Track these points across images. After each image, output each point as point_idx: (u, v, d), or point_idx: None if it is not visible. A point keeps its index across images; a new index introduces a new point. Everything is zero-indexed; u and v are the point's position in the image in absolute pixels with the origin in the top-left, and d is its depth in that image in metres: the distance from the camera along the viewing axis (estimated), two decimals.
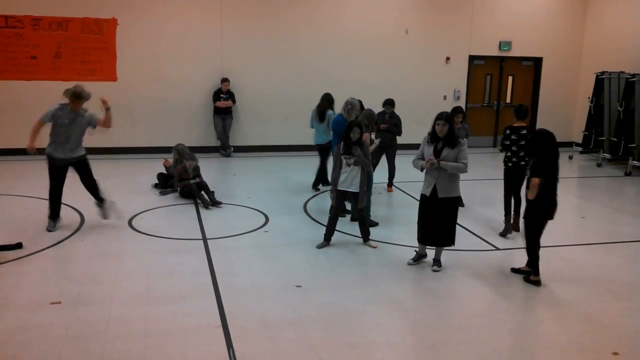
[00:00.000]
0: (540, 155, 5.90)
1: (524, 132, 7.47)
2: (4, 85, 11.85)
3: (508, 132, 7.54)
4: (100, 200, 7.62)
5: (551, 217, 6.03)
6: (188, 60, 12.68)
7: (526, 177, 6.20)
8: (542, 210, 5.97)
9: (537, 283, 6.05)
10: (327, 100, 9.70)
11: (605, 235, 7.90)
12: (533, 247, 6.09)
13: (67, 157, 7.32)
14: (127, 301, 5.35)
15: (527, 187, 6.00)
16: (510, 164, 7.56)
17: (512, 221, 7.73)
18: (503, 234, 7.69)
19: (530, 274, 6.15)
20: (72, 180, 9.98)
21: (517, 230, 7.58)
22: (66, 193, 8.91)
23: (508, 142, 7.52)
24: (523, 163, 7.43)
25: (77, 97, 7.22)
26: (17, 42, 11.75)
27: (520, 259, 6.84)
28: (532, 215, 6.03)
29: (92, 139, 12.14)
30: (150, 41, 12.41)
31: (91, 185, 7.60)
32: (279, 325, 4.97)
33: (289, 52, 13.23)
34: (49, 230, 7.26)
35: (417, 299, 5.76)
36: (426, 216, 6.31)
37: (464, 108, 13.01)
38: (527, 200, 6.03)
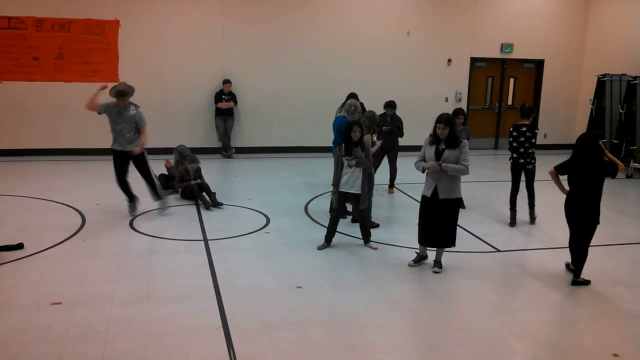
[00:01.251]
0: (573, 157, 6.13)
1: (524, 129, 7.97)
2: (6, 86, 11.88)
3: (511, 129, 8.11)
4: (155, 196, 8.29)
5: (597, 222, 6.18)
6: (190, 61, 12.70)
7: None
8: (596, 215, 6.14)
9: (587, 282, 6.18)
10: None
11: (607, 238, 7.88)
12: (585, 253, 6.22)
13: (125, 149, 7.93)
14: (127, 302, 5.35)
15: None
16: (511, 160, 8.20)
17: (518, 214, 8.33)
18: (510, 225, 8.26)
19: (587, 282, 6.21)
20: (71, 181, 10.02)
21: (532, 222, 8.34)
22: (66, 194, 8.98)
23: (511, 139, 8.09)
24: (522, 161, 8.05)
25: (121, 94, 7.72)
26: (20, 43, 11.77)
27: (520, 261, 6.85)
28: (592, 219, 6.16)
29: (92, 140, 12.25)
30: (153, 42, 12.43)
31: (148, 180, 8.24)
32: (279, 326, 4.97)
33: (290, 54, 13.25)
34: (130, 214, 8.08)
35: (418, 300, 5.76)
36: (427, 217, 6.31)
37: (465, 110, 13.04)
38: (587, 208, 6.14)
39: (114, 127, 7.88)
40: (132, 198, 8.15)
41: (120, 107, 7.79)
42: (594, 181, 6.03)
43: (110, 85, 7.94)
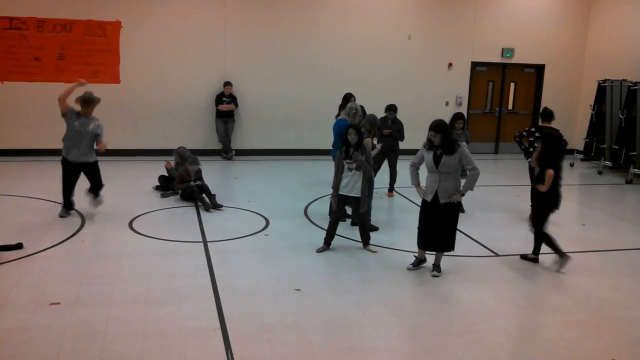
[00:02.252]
0: (547, 152, 6.58)
1: (533, 129, 8.78)
2: (7, 87, 11.89)
3: (534, 129, 8.82)
4: (95, 195, 8.07)
5: (557, 207, 6.73)
6: (191, 63, 12.71)
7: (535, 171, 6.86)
8: (550, 202, 6.64)
9: (535, 260, 6.84)
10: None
11: (605, 243, 7.90)
12: (540, 235, 6.76)
13: (79, 161, 7.77)
14: (126, 303, 5.36)
15: (540, 181, 6.60)
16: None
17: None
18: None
19: (535, 260, 6.85)
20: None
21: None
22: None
23: (532, 139, 8.75)
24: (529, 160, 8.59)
25: (87, 102, 7.61)
26: (21, 44, 11.79)
27: (518, 265, 6.85)
28: (542, 206, 6.70)
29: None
30: (154, 44, 12.45)
31: (96, 185, 8.04)
32: (277, 328, 4.97)
33: (291, 57, 13.26)
34: (60, 216, 7.91)
35: (416, 304, 5.76)
36: (427, 221, 6.32)
37: (465, 114, 13.06)
38: (538, 192, 6.66)
39: (71, 136, 7.68)
40: (70, 206, 7.98)
41: (83, 117, 7.65)
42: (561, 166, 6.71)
43: (87, 86, 7.93)
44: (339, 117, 8.75)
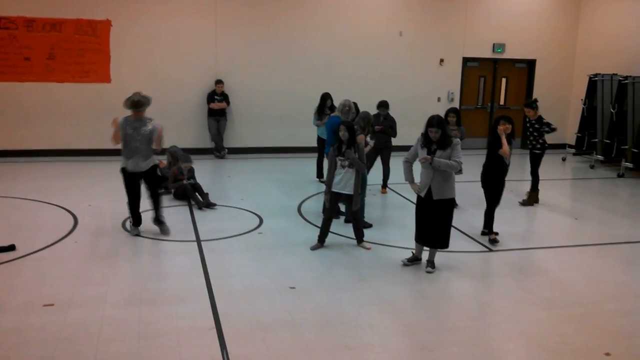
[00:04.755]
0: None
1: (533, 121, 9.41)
2: None
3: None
4: (158, 221, 7.50)
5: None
6: (182, 61, 12.66)
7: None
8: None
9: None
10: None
11: (598, 237, 7.94)
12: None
13: (137, 170, 7.21)
14: (120, 303, 5.34)
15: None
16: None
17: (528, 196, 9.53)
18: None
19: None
20: (64, 182, 9.98)
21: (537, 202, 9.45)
22: (58, 195, 8.95)
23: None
24: (531, 147, 9.53)
25: (136, 105, 7.05)
26: (11, 44, 11.69)
27: (512, 261, 6.88)
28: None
29: (84, 141, 12.23)
30: (144, 43, 12.39)
31: (155, 200, 7.47)
32: (272, 326, 4.97)
33: (283, 54, 13.24)
34: (134, 234, 7.34)
35: (411, 300, 5.77)
36: (422, 217, 6.33)
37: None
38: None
39: (128, 144, 7.10)
40: (138, 222, 7.45)
41: (135, 121, 7.10)
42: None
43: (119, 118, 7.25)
44: (332, 114, 8.75)
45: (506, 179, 7.52)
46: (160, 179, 9.51)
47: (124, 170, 7.24)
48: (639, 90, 12.36)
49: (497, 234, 7.48)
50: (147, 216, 7.52)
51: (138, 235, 7.33)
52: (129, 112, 7.15)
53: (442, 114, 8.82)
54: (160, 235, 7.32)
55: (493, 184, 7.48)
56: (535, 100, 9.52)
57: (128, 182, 7.26)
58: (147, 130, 7.15)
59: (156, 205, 7.46)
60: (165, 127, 8.58)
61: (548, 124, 9.29)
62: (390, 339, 4.87)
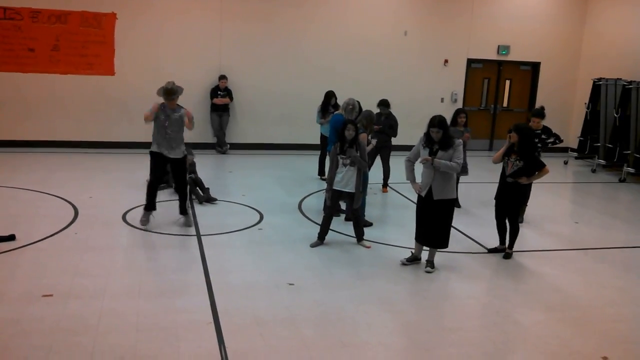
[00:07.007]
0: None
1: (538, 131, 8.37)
2: (0, 77, 11.80)
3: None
4: (184, 212, 7.63)
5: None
6: (186, 56, 12.66)
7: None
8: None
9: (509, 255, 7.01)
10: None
11: (598, 241, 7.93)
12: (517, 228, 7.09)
13: (170, 156, 7.37)
14: (119, 295, 5.34)
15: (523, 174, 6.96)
16: None
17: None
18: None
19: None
20: (65, 174, 9.99)
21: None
22: (59, 187, 8.96)
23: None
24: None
25: (169, 93, 7.25)
26: (15, 34, 11.69)
27: (512, 262, 6.87)
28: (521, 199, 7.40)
29: (86, 132, 12.23)
30: (149, 37, 12.39)
31: (182, 191, 7.65)
32: (270, 322, 4.97)
33: (287, 51, 13.23)
34: (142, 224, 7.43)
35: (410, 299, 5.77)
36: (422, 216, 6.34)
37: None
38: (518, 186, 7.05)
39: (160, 131, 7.27)
40: (151, 207, 7.54)
41: (168, 109, 7.27)
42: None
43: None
44: (336, 112, 8.74)
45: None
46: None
47: (152, 152, 7.40)
48: None
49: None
50: (142, 211, 7.51)
51: (147, 221, 7.42)
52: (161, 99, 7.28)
53: (446, 115, 8.84)
54: (164, 229, 7.33)
55: (516, 204, 7.18)
56: (543, 108, 8.77)
57: (155, 162, 7.43)
58: (177, 115, 7.32)
59: (182, 197, 7.60)
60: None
61: (557, 136, 8.53)
62: (387, 337, 4.87)
